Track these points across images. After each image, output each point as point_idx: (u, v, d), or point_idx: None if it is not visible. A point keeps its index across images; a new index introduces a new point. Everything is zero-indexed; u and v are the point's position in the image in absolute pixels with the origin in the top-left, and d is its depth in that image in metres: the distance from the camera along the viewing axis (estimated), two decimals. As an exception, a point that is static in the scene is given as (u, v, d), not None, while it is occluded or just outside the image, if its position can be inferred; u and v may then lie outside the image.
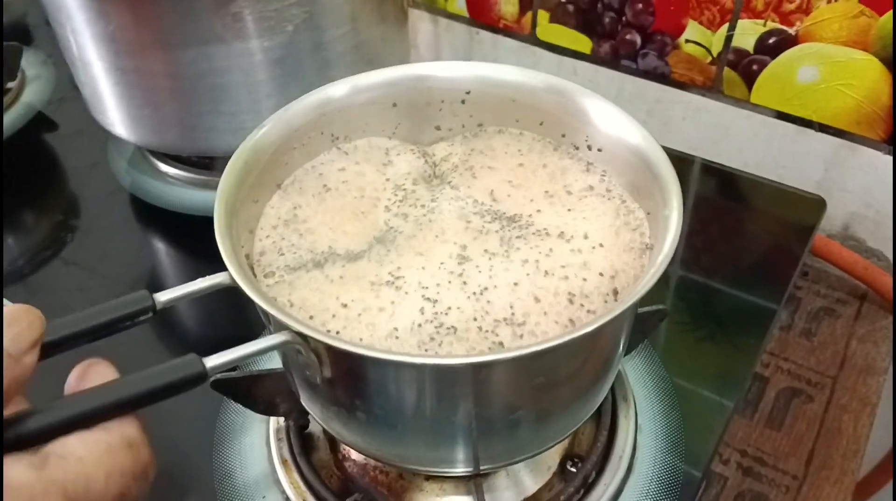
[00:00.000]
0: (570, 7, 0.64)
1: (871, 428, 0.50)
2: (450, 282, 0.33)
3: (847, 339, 0.55)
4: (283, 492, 0.40)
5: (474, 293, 0.32)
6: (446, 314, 0.31)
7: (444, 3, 0.70)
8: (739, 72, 0.59)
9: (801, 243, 0.56)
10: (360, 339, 0.31)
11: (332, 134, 0.39)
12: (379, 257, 0.34)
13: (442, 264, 0.33)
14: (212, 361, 0.27)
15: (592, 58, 0.65)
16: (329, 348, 0.28)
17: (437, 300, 0.32)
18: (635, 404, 0.43)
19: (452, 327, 0.31)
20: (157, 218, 0.61)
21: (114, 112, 0.55)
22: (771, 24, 0.56)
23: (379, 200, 0.38)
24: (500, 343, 0.31)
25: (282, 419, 0.42)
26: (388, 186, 0.38)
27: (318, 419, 0.36)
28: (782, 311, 0.56)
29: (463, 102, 0.40)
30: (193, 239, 0.58)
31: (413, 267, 0.33)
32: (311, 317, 0.32)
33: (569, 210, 0.36)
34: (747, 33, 0.57)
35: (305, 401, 0.35)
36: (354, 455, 0.41)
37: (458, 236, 0.35)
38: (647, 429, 0.42)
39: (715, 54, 0.59)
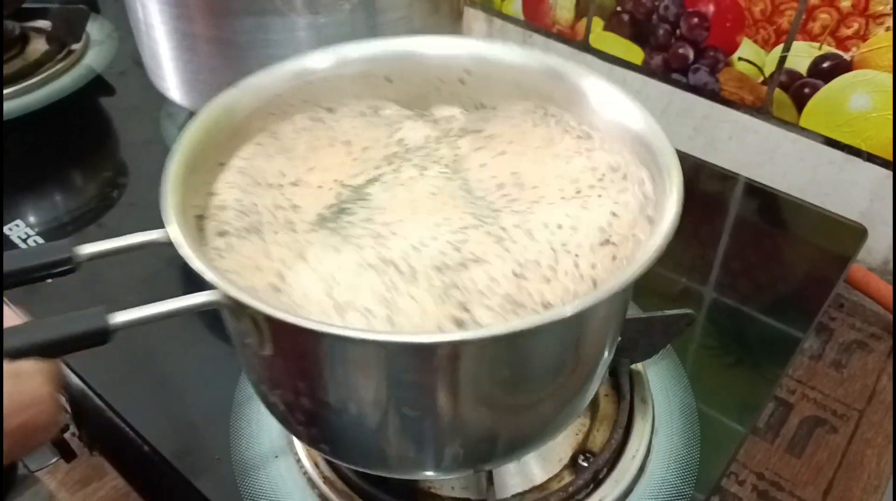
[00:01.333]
0: (626, 17, 0.64)
1: (896, 466, 0.49)
2: (421, 235, 0.30)
3: (878, 374, 0.54)
4: (296, 454, 0.40)
5: (449, 242, 0.30)
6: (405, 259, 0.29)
7: (500, 4, 0.71)
8: (790, 94, 0.59)
9: (837, 272, 0.55)
10: (292, 299, 0.28)
11: (316, 104, 0.37)
12: (349, 212, 0.32)
13: (418, 223, 0.32)
14: (120, 316, 0.24)
15: (643, 69, 0.65)
16: (254, 312, 0.25)
17: (390, 239, 0.30)
18: (654, 407, 0.42)
19: (411, 269, 0.29)
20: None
21: (171, 76, 0.57)
22: (826, 48, 0.56)
23: (368, 156, 0.36)
24: (464, 306, 0.28)
25: (300, 384, 0.42)
26: (379, 143, 0.36)
27: (266, 407, 0.33)
28: (812, 339, 0.55)
29: (462, 82, 0.38)
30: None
31: (384, 222, 0.32)
32: (238, 277, 0.28)
33: (578, 192, 0.33)
34: (801, 55, 0.57)
35: (253, 385, 0.33)
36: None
37: (440, 201, 0.33)
38: (664, 434, 0.42)
39: (767, 74, 0.59)
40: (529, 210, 0.33)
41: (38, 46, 0.71)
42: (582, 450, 0.40)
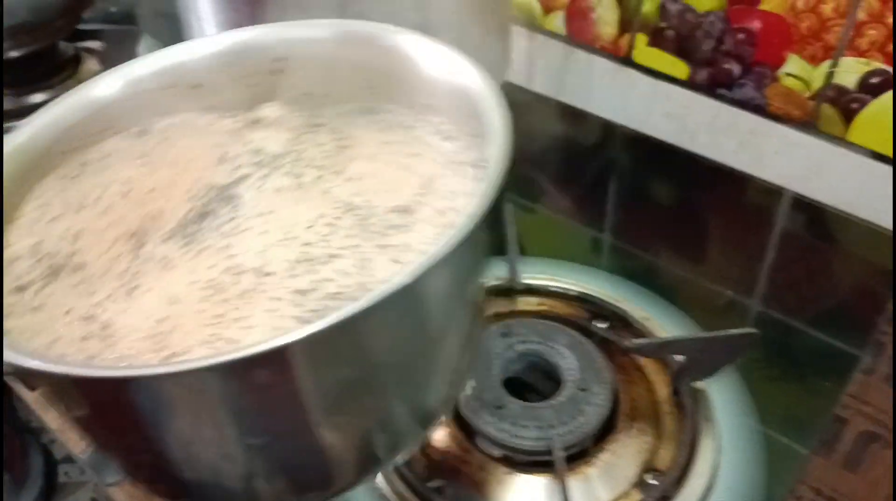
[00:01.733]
0: (670, 32, 0.64)
1: (953, 481, 0.48)
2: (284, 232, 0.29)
3: (931, 388, 0.54)
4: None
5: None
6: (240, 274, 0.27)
7: (542, 21, 0.72)
8: (838, 109, 0.59)
9: (890, 288, 0.55)
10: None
11: (122, 129, 0.35)
12: (214, 214, 0.30)
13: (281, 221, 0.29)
14: None
15: (688, 84, 0.66)
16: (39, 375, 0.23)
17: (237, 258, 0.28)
18: (719, 426, 0.43)
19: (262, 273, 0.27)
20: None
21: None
22: (875, 64, 0.56)
23: (198, 173, 0.33)
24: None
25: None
26: (235, 149, 0.33)
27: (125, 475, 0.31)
28: (865, 356, 0.55)
29: (279, 72, 0.34)
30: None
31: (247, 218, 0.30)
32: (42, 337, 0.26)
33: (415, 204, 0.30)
34: (849, 71, 0.57)
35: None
36: (435, 440, 0.41)
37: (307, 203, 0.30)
38: (730, 453, 0.42)
39: (814, 90, 0.59)
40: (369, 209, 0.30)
41: (91, 67, 0.73)
42: (648, 469, 0.40)
